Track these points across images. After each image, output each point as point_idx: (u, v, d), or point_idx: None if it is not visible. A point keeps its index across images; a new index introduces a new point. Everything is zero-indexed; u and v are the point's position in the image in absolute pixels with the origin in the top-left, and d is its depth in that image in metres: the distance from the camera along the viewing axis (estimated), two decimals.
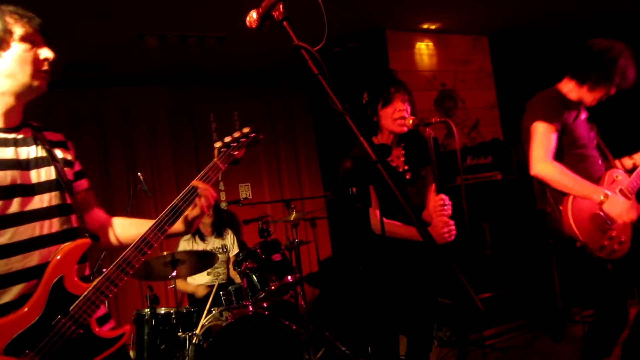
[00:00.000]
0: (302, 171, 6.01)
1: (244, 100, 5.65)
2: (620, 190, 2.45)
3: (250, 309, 3.24)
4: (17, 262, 1.34)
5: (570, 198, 2.39)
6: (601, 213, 2.35)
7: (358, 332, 3.87)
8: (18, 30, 1.38)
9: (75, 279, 1.40)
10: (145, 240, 1.46)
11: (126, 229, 1.66)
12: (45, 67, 1.42)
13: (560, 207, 2.42)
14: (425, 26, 5.00)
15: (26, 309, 1.32)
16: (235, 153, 1.66)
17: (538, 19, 5.14)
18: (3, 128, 1.42)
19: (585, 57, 2.53)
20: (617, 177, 2.48)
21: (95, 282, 1.41)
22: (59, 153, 1.53)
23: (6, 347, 1.27)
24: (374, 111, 2.35)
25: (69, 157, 1.58)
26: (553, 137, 2.42)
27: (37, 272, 1.36)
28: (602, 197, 2.33)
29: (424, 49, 5.13)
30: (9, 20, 1.38)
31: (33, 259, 1.37)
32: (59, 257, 1.39)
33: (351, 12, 4.28)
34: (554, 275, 3.83)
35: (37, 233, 1.39)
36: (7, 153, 1.39)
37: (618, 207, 2.32)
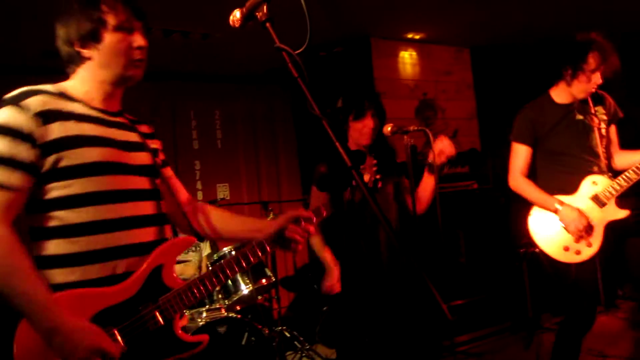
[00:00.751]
0: (282, 173, 6.00)
1: (226, 99, 5.63)
2: (594, 197, 2.54)
3: (223, 312, 3.21)
4: (113, 239, 1.35)
5: (533, 208, 2.64)
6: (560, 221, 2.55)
7: (331, 336, 3.87)
8: (111, 19, 1.37)
9: (173, 272, 1.41)
10: (245, 255, 1.49)
11: (226, 222, 1.64)
12: (139, 56, 1.41)
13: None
14: (410, 36, 5.06)
15: (122, 287, 1.33)
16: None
17: (518, 35, 5.25)
18: (106, 111, 1.44)
19: (558, 54, 2.66)
20: (594, 182, 2.56)
21: (189, 281, 1.43)
22: (149, 143, 1.57)
23: (95, 316, 1.28)
24: (345, 119, 2.44)
25: (157, 146, 1.62)
26: (524, 155, 2.66)
27: (129, 251, 1.37)
28: (556, 207, 2.53)
29: (408, 58, 5.19)
30: (104, 8, 1.37)
31: (128, 238, 1.37)
32: (165, 246, 1.41)
33: (337, 18, 4.31)
34: (524, 283, 3.90)
35: (136, 212, 1.40)
36: (108, 133, 1.40)
37: (567, 218, 2.50)
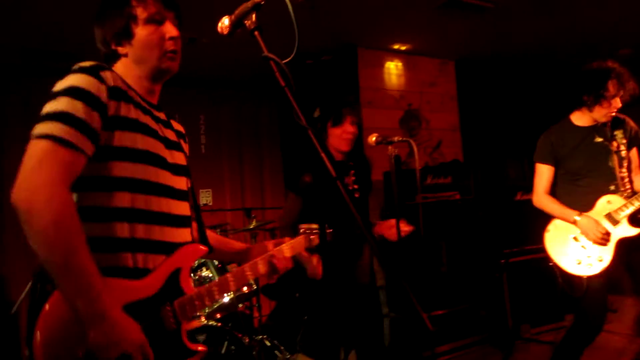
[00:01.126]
0: (266, 180, 5.98)
1: (212, 105, 5.61)
2: (608, 215, 2.69)
3: (203, 319, 3.18)
4: (155, 232, 1.33)
5: (549, 224, 2.82)
6: (574, 237, 2.73)
7: (312, 346, 3.85)
8: (141, 13, 1.36)
9: (188, 277, 1.39)
10: (243, 271, 1.50)
11: (219, 244, 1.66)
12: (172, 46, 1.39)
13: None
14: (396, 47, 5.11)
15: (145, 282, 1.30)
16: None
17: (501, 49, 5.35)
18: (152, 104, 1.43)
19: (579, 82, 2.79)
20: (609, 202, 2.71)
21: (200, 288, 1.40)
22: (182, 144, 1.55)
23: (124, 307, 1.23)
24: (323, 127, 2.44)
25: (186, 149, 1.60)
26: (547, 174, 2.86)
27: (165, 248, 1.35)
28: (575, 218, 2.69)
29: (393, 68, 5.24)
30: (133, 3, 1.36)
31: (168, 234, 1.36)
32: (186, 249, 1.40)
33: (325, 27, 4.35)
34: (504, 294, 3.94)
35: (177, 211, 1.39)
36: (158, 127, 1.40)
37: (585, 227, 2.66)
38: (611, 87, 2.66)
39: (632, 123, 2.86)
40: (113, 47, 1.37)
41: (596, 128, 2.79)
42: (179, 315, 1.33)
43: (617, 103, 2.69)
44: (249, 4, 1.21)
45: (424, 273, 3.82)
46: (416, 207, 3.71)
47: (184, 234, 1.42)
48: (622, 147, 2.78)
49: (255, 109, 5.99)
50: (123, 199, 1.27)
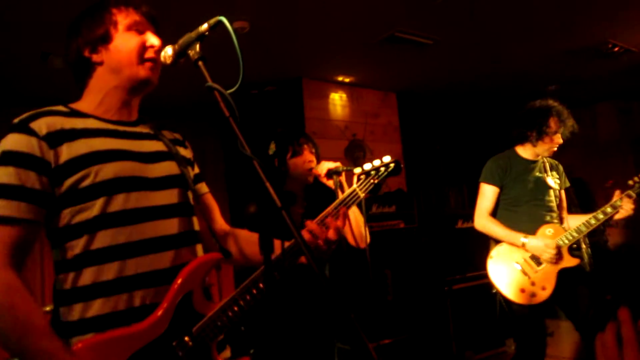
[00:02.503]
0: None
1: None
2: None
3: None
4: (136, 266, 1.20)
5: (492, 251, 2.88)
6: (518, 265, 2.80)
7: None
8: (122, 19, 1.31)
9: (202, 296, 1.25)
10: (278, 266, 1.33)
11: (253, 244, 1.49)
12: (151, 54, 1.31)
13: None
14: (340, 78, 5.23)
15: (151, 322, 1.18)
16: (376, 181, 1.53)
17: (440, 83, 5.60)
18: (120, 121, 1.33)
19: (521, 119, 2.97)
20: (548, 232, 2.82)
21: (221, 303, 1.26)
22: (180, 150, 1.44)
23: (131, 357, 1.12)
24: (282, 161, 2.37)
25: (189, 156, 1.49)
26: (491, 196, 2.94)
27: (155, 278, 1.22)
28: (522, 241, 2.77)
29: (338, 99, 5.34)
30: (114, 10, 1.31)
31: (152, 263, 1.22)
32: (189, 269, 1.25)
33: (270, 59, 4.39)
34: (449, 321, 4.01)
35: (157, 233, 1.25)
36: (124, 145, 1.28)
37: (536, 247, 2.74)
38: (552, 123, 2.85)
39: (562, 169, 3.09)
40: (87, 54, 1.29)
41: (538, 163, 2.98)
42: (202, 342, 1.23)
43: (558, 139, 2.88)
44: (192, 34, 1.20)
45: (370, 302, 3.83)
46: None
47: (181, 254, 1.29)
48: (556, 186, 2.98)
49: (198, 137, 5.90)
50: (102, 239, 1.19)
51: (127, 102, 1.35)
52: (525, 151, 2.99)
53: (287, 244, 1.32)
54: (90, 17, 1.32)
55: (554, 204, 2.93)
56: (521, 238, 2.77)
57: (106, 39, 1.29)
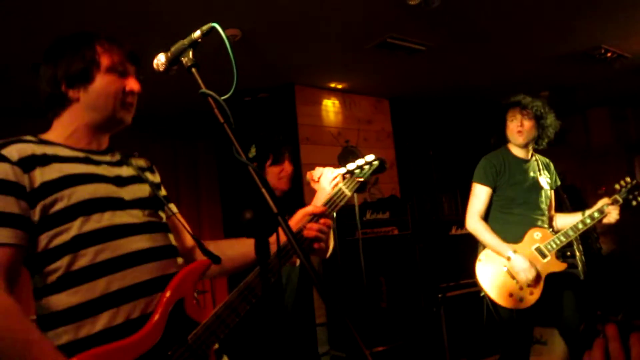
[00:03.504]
0: (204, 218, 5.84)
1: (146, 141, 5.45)
2: (537, 248, 2.77)
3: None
4: (118, 280, 1.20)
5: (480, 254, 2.85)
6: (507, 269, 2.75)
7: None
8: (105, 61, 1.30)
9: (195, 303, 1.25)
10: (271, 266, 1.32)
11: (232, 247, 1.51)
12: (130, 99, 1.34)
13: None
14: (333, 85, 5.24)
15: (144, 333, 1.17)
16: (361, 180, 1.53)
17: (433, 88, 5.63)
18: (94, 150, 1.35)
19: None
20: (536, 236, 2.79)
21: (216, 310, 1.25)
22: (148, 175, 1.47)
23: None
24: (261, 166, 2.39)
25: (157, 180, 1.53)
26: (484, 196, 2.87)
27: (139, 290, 1.22)
28: (509, 255, 2.72)
29: (331, 106, 5.35)
30: (98, 49, 1.30)
31: (135, 275, 1.22)
32: (180, 277, 1.26)
33: (262, 66, 4.39)
34: (442, 328, 4.00)
35: (137, 247, 1.25)
36: (97, 170, 1.30)
37: (518, 267, 2.68)
38: (508, 120, 2.91)
39: (553, 167, 3.07)
40: (63, 88, 1.28)
41: (531, 163, 2.95)
42: (199, 350, 1.22)
43: (523, 122, 2.87)
44: (185, 42, 1.19)
45: (364, 309, 3.81)
46: (356, 243, 3.74)
47: (162, 268, 1.28)
48: (547, 186, 2.95)
49: (191, 144, 5.90)
50: (82, 259, 1.18)
51: (98, 136, 1.37)
52: (516, 148, 2.96)
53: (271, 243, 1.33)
54: (73, 50, 1.30)
55: (545, 205, 2.92)
56: (509, 252, 2.72)
57: (86, 79, 1.28)
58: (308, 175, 2.28)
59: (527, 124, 2.85)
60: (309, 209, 1.45)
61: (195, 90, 1.13)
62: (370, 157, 1.55)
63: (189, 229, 1.54)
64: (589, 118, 6.97)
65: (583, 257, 2.95)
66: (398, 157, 5.81)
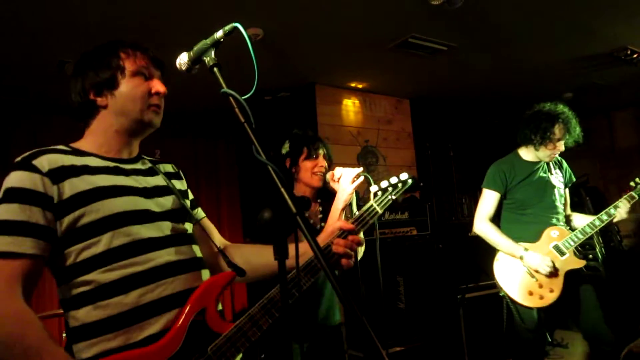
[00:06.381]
0: (223, 216, 5.89)
1: (167, 138, 5.52)
2: (555, 246, 2.79)
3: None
4: (147, 294, 1.21)
5: (498, 253, 2.88)
6: (525, 267, 2.78)
7: None
8: (129, 65, 1.33)
9: (217, 314, 1.26)
10: (293, 281, 1.32)
11: (257, 255, 1.51)
12: (156, 101, 1.36)
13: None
14: (353, 85, 5.23)
15: (163, 343, 1.18)
16: (393, 197, 1.54)
17: (454, 89, 5.58)
18: (123, 159, 1.37)
19: (528, 122, 2.93)
20: (554, 234, 2.81)
21: (237, 322, 1.26)
22: (176, 184, 1.48)
23: None
24: (295, 162, 2.33)
25: (184, 187, 1.54)
26: (493, 201, 2.93)
27: (167, 303, 1.23)
28: (521, 254, 2.75)
29: (351, 105, 5.35)
30: (122, 55, 1.33)
31: (163, 289, 1.24)
32: (203, 288, 1.27)
33: (284, 65, 4.41)
34: (461, 329, 3.96)
35: (164, 261, 1.26)
36: (127, 181, 1.32)
37: (533, 262, 2.72)
38: (557, 130, 2.83)
39: (566, 165, 3.07)
40: (92, 97, 1.32)
41: (541, 164, 2.96)
42: None
43: (561, 146, 2.86)
44: (208, 41, 1.21)
45: (382, 309, 3.80)
46: (374, 243, 3.72)
47: (187, 281, 1.29)
48: (560, 185, 2.97)
49: (211, 142, 5.95)
50: (111, 273, 1.20)
51: (128, 142, 1.39)
52: (527, 154, 2.98)
53: (301, 258, 1.30)
54: (98, 59, 1.34)
55: (559, 204, 2.92)
56: (521, 251, 2.76)
57: (112, 84, 1.32)
58: (328, 175, 2.28)
59: (560, 145, 2.87)
60: (338, 224, 1.44)
61: (216, 89, 1.14)
62: (404, 176, 1.55)
63: (216, 235, 1.56)
64: (613, 120, 6.82)
65: (603, 250, 2.98)
66: (418, 157, 5.77)
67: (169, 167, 1.55)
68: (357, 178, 2.07)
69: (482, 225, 2.91)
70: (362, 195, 4.86)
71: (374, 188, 1.56)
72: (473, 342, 3.97)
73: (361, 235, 1.50)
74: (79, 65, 1.36)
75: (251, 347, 1.27)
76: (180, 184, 1.53)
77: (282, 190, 1.00)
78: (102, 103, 1.33)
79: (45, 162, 1.21)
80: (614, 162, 6.63)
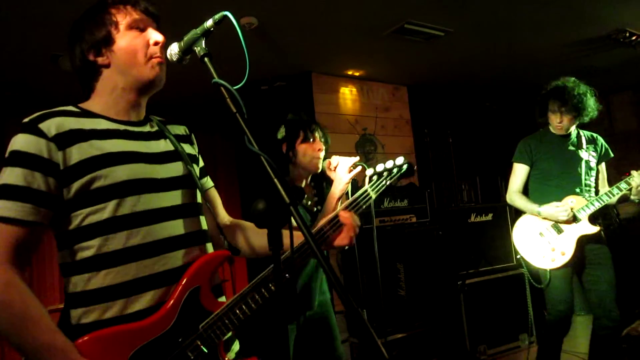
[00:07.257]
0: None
1: None
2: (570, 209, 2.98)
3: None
4: (148, 267, 1.21)
5: (517, 221, 3.19)
6: (539, 233, 3.05)
7: None
8: (122, 19, 1.29)
9: (210, 293, 1.27)
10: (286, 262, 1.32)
11: (258, 236, 1.50)
12: (156, 51, 1.30)
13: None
14: (350, 72, 5.20)
15: (157, 318, 1.19)
16: (388, 182, 1.54)
17: (452, 75, 5.54)
18: (129, 121, 1.33)
19: (540, 98, 3.16)
20: (572, 201, 3.00)
21: (229, 301, 1.27)
22: (185, 148, 1.44)
23: (132, 355, 1.14)
24: (291, 146, 2.28)
25: (194, 152, 1.49)
26: (522, 174, 3.20)
27: (166, 278, 1.23)
28: (538, 210, 3.04)
29: (348, 93, 5.32)
30: (113, 11, 1.30)
31: (164, 263, 1.23)
32: (197, 266, 1.26)
33: (279, 54, 4.38)
34: (462, 315, 3.98)
35: (168, 234, 1.25)
36: (135, 146, 1.29)
37: (551, 213, 2.98)
38: (551, 104, 3.04)
39: (602, 141, 3.20)
40: (92, 58, 1.29)
41: (571, 138, 3.13)
42: (209, 339, 1.23)
43: (565, 120, 3.01)
44: (198, 31, 1.19)
45: (382, 296, 3.81)
46: (371, 231, 3.72)
47: (192, 253, 1.29)
48: (592, 159, 3.09)
49: (209, 134, 5.93)
50: (114, 242, 1.19)
51: (136, 102, 1.35)
52: (551, 126, 3.15)
53: (295, 240, 1.31)
54: (90, 20, 1.31)
55: (586, 177, 3.05)
56: (536, 207, 3.01)
57: (109, 41, 1.29)
58: (325, 163, 2.26)
59: (567, 119, 3.02)
60: (331, 215, 1.44)
61: (211, 81, 1.13)
62: (399, 161, 1.54)
63: (220, 209, 1.56)
64: (612, 103, 6.79)
65: (618, 219, 3.17)
66: (417, 144, 5.75)
67: (180, 130, 1.51)
68: (354, 167, 2.06)
69: (511, 196, 3.22)
70: (359, 184, 4.85)
71: (369, 171, 1.56)
72: (474, 328, 3.99)
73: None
74: (72, 33, 1.33)
75: (242, 325, 1.28)
76: (190, 149, 1.49)
77: (275, 180, 0.99)
78: (104, 62, 1.29)
79: (53, 126, 1.19)
80: (613, 145, 6.56)
